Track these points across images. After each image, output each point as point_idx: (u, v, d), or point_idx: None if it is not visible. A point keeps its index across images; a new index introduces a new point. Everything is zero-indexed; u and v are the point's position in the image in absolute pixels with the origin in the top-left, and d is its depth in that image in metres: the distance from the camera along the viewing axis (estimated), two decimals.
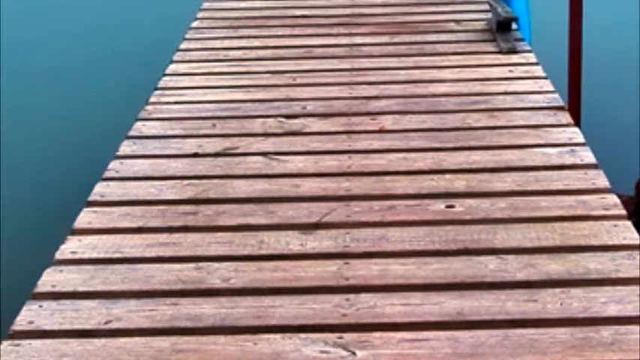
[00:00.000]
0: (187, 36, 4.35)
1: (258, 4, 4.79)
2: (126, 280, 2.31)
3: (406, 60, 3.92)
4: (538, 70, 3.73)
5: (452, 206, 2.63)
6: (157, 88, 3.67)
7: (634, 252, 2.35)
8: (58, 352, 2.02)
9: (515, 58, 3.87)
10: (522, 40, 4.08)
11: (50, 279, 2.31)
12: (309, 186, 2.80)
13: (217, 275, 2.32)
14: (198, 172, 2.93)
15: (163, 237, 2.51)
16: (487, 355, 1.98)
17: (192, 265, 2.37)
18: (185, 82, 3.76)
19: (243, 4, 4.79)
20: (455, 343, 2.02)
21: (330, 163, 2.96)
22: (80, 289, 2.28)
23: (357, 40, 4.20)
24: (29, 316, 2.15)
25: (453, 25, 4.34)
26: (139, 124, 3.32)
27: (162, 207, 2.69)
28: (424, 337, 2.05)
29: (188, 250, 2.45)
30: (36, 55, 6.36)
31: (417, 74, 3.74)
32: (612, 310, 2.12)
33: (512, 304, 2.16)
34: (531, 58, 3.87)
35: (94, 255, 2.43)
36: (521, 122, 3.23)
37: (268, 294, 2.24)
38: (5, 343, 2.05)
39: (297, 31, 4.36)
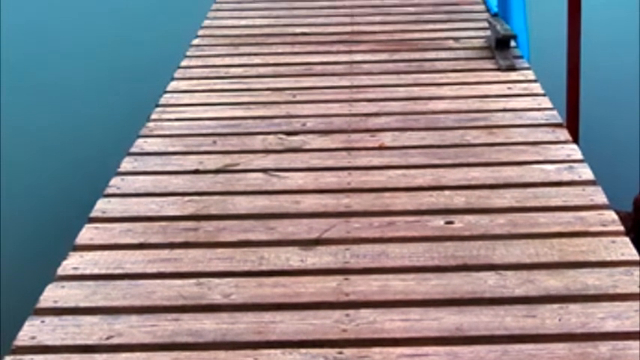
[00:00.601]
0: (188, 53, 4.37)
1: (258, 22, 4.81)
2: (127, 295, 2.33)
3: (405, 77, 3.93)
4: (537, 88, 3.75)
5: (451, 222, 2.65)
6: (158, 105, 3.69)
7: (632, 268, 2.37)
8: None
9: (513, 76, 3.89)
10: (521, 57, 4.10)
11: (52, 294, 2.33)
12: (309, 202, 2.82)
13: (218, 291, 2.34)
14: (199, 188, 2.94)
15: (164, 253, 2.53)
16: None
17: (193, 280, 2.39)
18: (186, 99, 3.78)
19: (243, 22, 4.81)
20: (454, 359, 2.04)
21: (330, 179, 2.98)
22: (82, 304, 2.29)
23: (357, 57, 4.22)
24: (31, 331, 2.17)
25: (451, 43, 4.36)
26: (140, 140, 3.34)
27: (163, 223, 2.71)
28: (424, 352, 2.06)
29: (189, 266, 2.46)
30: (37, 73, 6.38)
31: (416, 91, 3.76)
32: (610, 326, 2.13)
33: (511, 320, 2.17)
34: (530, 75, 3.89)
35: (96, 271, 2.45)
36: (520, 139, 3.24)
37: (269, 309, 2.25)
38: (7, 358, 2.07)
39: (297, 48, 4.38)
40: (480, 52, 4.22)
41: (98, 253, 2.53)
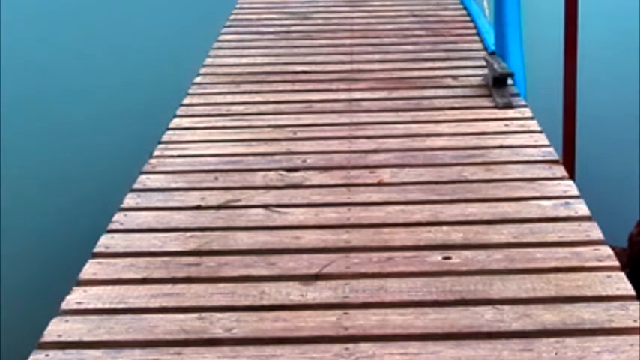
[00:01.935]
0: (190, 91, 4.40)
1: (259, 60, 4.86)
2: (130, 329, 2.36)
3: (404, 114, 3.98)
4: (533, 125, 3.79)
5: (449, 257, 2.69)
6: (160, 142, 3.73)
7: (627, 302, 2.41)
8: None
9: (510, 113, 3.93)
10: (518, 95, 4.15)
11: (56, 328, 2.36)
12: (309, 238, 2.85)
13: (220, 325, 2.37)
14: (201, 224, 2.98)
15: (167, 287, 2.57)
16: None
17: (195, 315, 2.42)
18: (188, 136, 3.82)
19: (244, 60, 4.86)
20: None
21: (329, 215, 3.02)
22: (85, 338, 2.33)
23: (356, 95, 4.27)
24: None
25: (449, 81, 4.41)
26: (143, 177, 3.37)
27: (165, 258, 2.74)
28: None
29: (191, 301, 2.50)
30: (40, 111, 6.44)
31: (414, 128, 3.80)
32: None
33: (508, 354, 2.21)
34: (527, 112, 3.94)
35: (99, 305, 2.48)
36: (517, 175, 3.28)
37: (270, 343, 2.29)
38: None
39: (297, 86, 4.42)
40: (477, 89, 4.26)
41: (101, 288, 2.57)
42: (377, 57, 4.85)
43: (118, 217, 3.04)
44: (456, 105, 4.07)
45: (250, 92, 4.35)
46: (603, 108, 5.77)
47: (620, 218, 4.06)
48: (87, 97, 6.67)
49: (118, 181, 3.62)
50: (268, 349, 2.26)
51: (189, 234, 2.90)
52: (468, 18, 5.57)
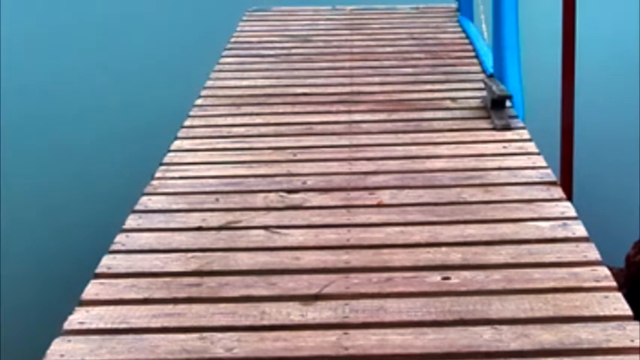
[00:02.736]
0: (191, 113, 4.43)
1: (260, 83, 4.89)
2: (132, 349, 2.38)
3: (403, 136, 4.01)
4: (531, 146, 3.82)
5: (448, 278, 2.71)
6: (162, 164, 3.75)
7: (624, 322, 2.43)
8: None
9: (509, 135, 3.96)
10: (516, 117, 4.17)
11: (59, 348, 2.38)
12: (309, 258, 2.87)
13: (221, 345, 2.39)
14: (202, 245, 3.00)
15: (168, 308, 2.59)
16: None
17: (196, 335, 2.44)
18: (189, 157, 3.84)
19: (245, 83, 4.90)
20: None
21: (329, 236, 3.04)
22: (88, 358, 2.35)
23: (356, 117, 4.29)
24: None
25: (448, 103, 4.44)
26: (144, 198, 3.40)
27: (167, 279, 2.76)
28: None
29: (192, 321, 2.52)
30: (43, 133, 6.47)
31: (413, 150, 3.83)
32: None
33: None
34: (525, 134, 3.97)
35: (101, 325, 2.50)
36: (515, 197, 3.31)
37: None
38: None
39: (297, 108, 4.45)
40: (476, 111, 4.29)
41: (104, 308, 2.59)
42: (377, 79, 4.89)
43: (120, 238, 3.06)
44: (455, 127, 4.10)
45: (251, 114, 4.38)
46: (600, 130, 5.81)
47: (617, 239, 4.08)
48: (88, 119, 6.71)
49: (120, 202, 3.64)
50: None
51: (190, 255, 2.92)
52: (466, 41, 5.62)
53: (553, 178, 3.49)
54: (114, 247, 2.99)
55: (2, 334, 3.92)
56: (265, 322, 2.50)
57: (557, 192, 3.34)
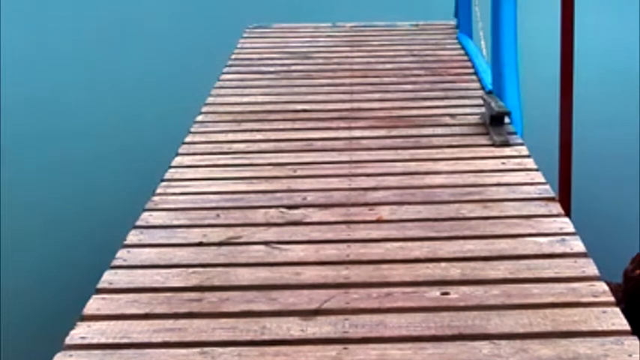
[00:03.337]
0: (192, 129, 4.45)
1: (260, 99, 4.92)
2: None
3: (403, 153, 4.03)
4: (530, 163, 3.84)
5: (447, 293, 2.73)
6: (163, 180, 3.77)
7: (622, 337, 2.44)
8: None
9: (507, 151, 3.98)
10: (515, 133, 4.20)
11: None
12: (309, 274, 2.89)
13: None
14: (203, 260, 3.02)
15: (169, 323, 2.60)
16: None
17: (197, 350, 2.45)
18: (190, 173, 3.86)
19: (246, 99, 4.92)
20: None
21: (329, 251, 3.06)
22: None
23: (356, 133, 4.32)
24: None
25: (447, 119, 4.47)
26: (145, 214, 3.42)
27: (168, 294, 2.78)
28: None
29: (193, 336, 2.53)
30: (45, 148, 6.49)
31: (413, 166, 3.85)
32: None
33: None
34: (523, 150, 3.99)
35: (103, 340, 2.52)
36: (514, 212, 3.33)
37: None
38: None
39: (298, 124, 4.48)
40: (475, 128, 4.32)
41: (105, 323, 2.60)
42: (376, 96, 4.91)
43: (122, 253, 3.08)
44: (454, 143, 4.12)
45: (251, 131, 4.40)
46: (598, 146, 5.83)
47: (615, 254, 4.10)
48: (90, 135, 6.73)
49: (122, 217, 3.66)
50: None
51: (191, 270, 2.94)
52: (465, 58, 5.65)
53: (551, 193, 3.51)
54: (115, 262, 3.01)
55: (3, 349, 3.93)
56: (266, 337, 2.52)
57: (556, 208, 3.36)
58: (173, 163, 3.98)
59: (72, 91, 7.75)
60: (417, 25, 6.55)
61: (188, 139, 4.32)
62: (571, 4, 4.24)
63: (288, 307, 2.67)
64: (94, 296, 2.77)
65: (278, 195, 3.58)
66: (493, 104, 4.26)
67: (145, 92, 7.63)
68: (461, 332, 2.51)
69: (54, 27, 9.85)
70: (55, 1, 10.95)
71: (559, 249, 3.00)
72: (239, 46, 6.16)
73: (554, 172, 4.16)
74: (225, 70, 5.55)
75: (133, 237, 3.21)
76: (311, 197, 3.55)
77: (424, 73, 5.36)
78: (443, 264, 2.92)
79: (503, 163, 3.85)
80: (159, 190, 3.66)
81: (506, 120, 4.25)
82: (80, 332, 2.56)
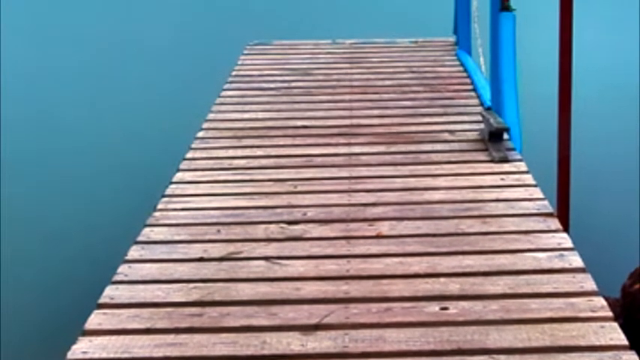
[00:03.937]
0: (193, 145, 4.47)
1: (260, 115, 4.94)
2: None
3: (402, 168, 4.04)
4: (528, 178, 3.86)
5: (446, 308, 2.74)
6: (164, 196, 3.79)
7: (620, 352, 2.46)
8: None
9: (506, 167, 4.00)
10: (513, 149, 4.21)
11: None
12: (309, 289, 2.91)
13: None
14: (204, 275, 3.03)
15: (170, 338, 2.62)
16: None
17: None
18: (191, 189, 3.88)
19: (246, 116, 4.94)
20: None
21: (329, 267, 3.07)
22: None
23: (356, 149, 4.33)
24: None
25: (447, 136, 4.48)
26: (147, 229, 3.43)
27: (169, 309, 2.79)
28: None
29: (194, 351, 2.55)
30: (44, 164, 6.51)
31: (412, 182, 3.87)
32: None
33: None
34: (522, 166, 4.00)
35: (104, 355, 2.54)
36: (513, 228, 3.34)
37: None
38: None
39: (298, 140, 4.49)
40: (474, 144, 4.33)
41: (106, 338, 2.62)
42: (376, 112, 4.93)
43: (123, 268, 3.09)
44: (453, 159, 4.14)
45: (252, 147, 4.41)
46: (596, 161, 5.86)
47: (613, 270, 4.11)
48: (91, 151, 6.75)
49: (123, 233, 3.68)
50: None
51: (192, 285, 2.95)
52: (464, 74, 5.68)
53: (550, 209, 3.53)
54: (116, 277, 3.03)
55: None
56: (266, 352, 2.53)
57: (554, 223, 3.37)
58: (174, 179, 3.99)
59: (73, 107, 7.78)
60: (416, 42, 6.58)
61: (189, 155, 4.33)
62: (569, 20, 4.27)
63: (288, 322, 2.69)
64: (96, 311, 2.79)
65: (278, 210, 3.59)
66: (492, 120, 4.28)
67: (146, 108, 7.66)
68: (460, 347, 2.52)
69: (55, 44, 9.88)
70: (57, 18, 11.00)
71: (558, 264, 3.01)
72: (240, 62, 6.19)
73: (552, 187, 4.18)
74: (226, 86, 5.58)
75: (134, 252, 3.23)
76: (311, 213, 3.56)
77: (423, 89, 5.39)
78: (442, 279, 2.94)
79: (502, 179, 3.87)
80: (160, 206, 3.67)
81: (505, 136, 4.27)
82: (82, 347, 2.57)
